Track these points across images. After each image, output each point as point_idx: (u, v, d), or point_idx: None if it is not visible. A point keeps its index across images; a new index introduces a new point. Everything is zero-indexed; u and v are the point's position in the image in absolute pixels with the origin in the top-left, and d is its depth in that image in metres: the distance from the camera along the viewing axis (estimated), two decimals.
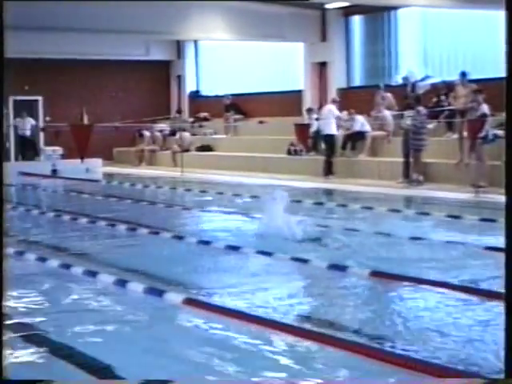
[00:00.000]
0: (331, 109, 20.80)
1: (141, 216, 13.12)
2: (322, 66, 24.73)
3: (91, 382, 4.93)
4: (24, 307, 6.83)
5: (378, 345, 5.53)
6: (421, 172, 17.66)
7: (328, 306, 6.94)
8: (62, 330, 6.02)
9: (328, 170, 19.93)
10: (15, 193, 18.34)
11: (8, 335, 5.95)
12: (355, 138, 20.71)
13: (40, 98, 27.08)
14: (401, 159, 18.25)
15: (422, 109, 18.05)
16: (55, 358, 5.36)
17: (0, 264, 3.85)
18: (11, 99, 26.42)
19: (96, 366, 5.11)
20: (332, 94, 23.99)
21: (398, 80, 22.07)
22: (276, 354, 5.37)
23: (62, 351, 5.50)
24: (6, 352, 5.20)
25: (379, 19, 23.35)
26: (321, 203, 14.93)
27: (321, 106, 22.62)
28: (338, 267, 8.17)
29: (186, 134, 26.29)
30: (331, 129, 20.38)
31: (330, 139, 20.36)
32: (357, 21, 24.11)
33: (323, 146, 20.87)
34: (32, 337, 5.89)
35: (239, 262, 8.91)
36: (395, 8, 22.52)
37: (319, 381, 4.86)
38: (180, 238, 10.42)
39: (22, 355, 5.46)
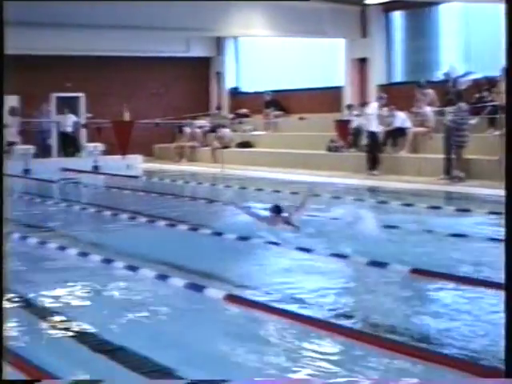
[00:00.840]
0: (375, 106, 20.67)
1: (180, 212, 13.15)
2: (363, 62, 24.61)
3: (94, 382, 4.94)
4: (65, 302, 6.89)
5: (422, 344, 5.50)
6: (462, 168, 17.51)
7: (369, 304, 6.91)
8: (104, 325, 6.06)
9: (372, 166, 19.78)
10: (57, 189, 18.52)
11: (48, 330, 6.03)
12: (396, 135, 20.58)
13: (82, 95, 27.26)
14: (442, 156, 18.10)
15: (463, 105, 17.89)
16: (99, 355, 5.40)
17: (0, 264, 3.87)
18: (53, 96, 26.66)
19: (144, 364, 5.13)
20: (372, 90, 23.88)
21: (439, 76, 21.90)
22: (316, 353, 5.35)
23: (106, 347, 5.53)
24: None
25: (420, 14, 23.19)
26: (361, 199, 14.86)
27: (363, 103, 22.50)
28: (378, 264, 8.14)
29: (226, 131, 26.32)
30: (373, 125, 20.25)
31: (371, 135, 20.23)
32: (397, 16, 23.96)
33: (365, 142, 20.76)
34: (74, 332, 5.93)
35: (279, 258, 8.91)
36: (436, 3, 22.34)
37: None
38: (219, 234, 10.44)
39: (64, 350, 5.50)
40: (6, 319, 3.83)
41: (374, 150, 19.97)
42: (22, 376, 4.72)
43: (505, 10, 3.74)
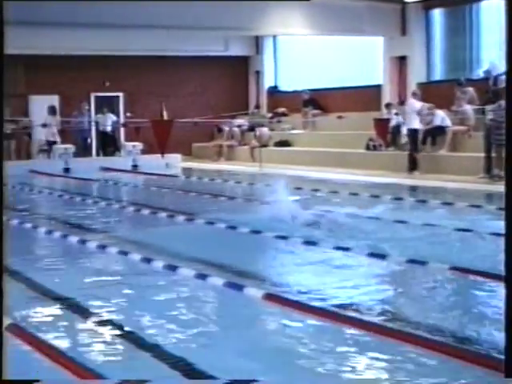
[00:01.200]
0: (412, 102, 20.54)
1: (219, 211, 13.16)
2: (402, 60, 24.46)
3: (88, 382, 4.94)
4: (105, 303, 6.92)
5: (459, 343, 5.45)
6: (502, 167, 17.30)
7: (408, 303, 6.86)
8: (144, 326, 6.08)
9: (412, 166, 19.65)
10: (96, 188, 18.64)
11: (89, 330, 6.07)
12: (435, 133, 20.43)
13: (121, 94, 27.45)
14: (482, 154, 17.94)
15: (503, 103, 17.69)
16: (140, 354, 5.42)
17: (0, 263, 3.88)
18: (93, 95, 26.88)
19: (180, 364, 5.13)
20: (412, 88, 23.72)
21: (479, 74, 21.71)
22: (357, 354, 5.33)
23: (147, 348, 5.54)
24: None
25: (460, 12, 23.00)
26: (400, 198, 14.78)
27: (401, 101, 22.37)
28: (418, 262, 8.09)
29: (265, 130, 26.32)
30: (413, 123, 20.11)
31: (412, 134, 20.10)
32: (437, 14, 23.79)
33: (405, 140, 20.64)
34: (113, 331, 5.97)
35: (318, 257, 8.88)
36: (478, 0, 22.15)
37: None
38: (258, 232, 10.42)
39: (103, 350, 5.53)
40: (5, 318, 3.84)
41: (414, 150, 19.84)
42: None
43: (505, 9, 3.69)
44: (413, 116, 20.08)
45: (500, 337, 5.52)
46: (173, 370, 5.02)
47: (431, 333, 5.71)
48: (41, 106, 25.14)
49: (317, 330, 5.90)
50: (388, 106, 22.73)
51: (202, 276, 7.59)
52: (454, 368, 4.96)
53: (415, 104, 20.45)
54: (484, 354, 5.17)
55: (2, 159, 3.99)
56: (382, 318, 6.21)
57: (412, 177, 18.84)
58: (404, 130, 21.18)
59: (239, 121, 27.72)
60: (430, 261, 8.07)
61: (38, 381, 4.17)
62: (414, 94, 21.19)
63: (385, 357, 5.19)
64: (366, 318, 6.16)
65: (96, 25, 21.75)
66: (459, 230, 10.36)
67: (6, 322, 5.80)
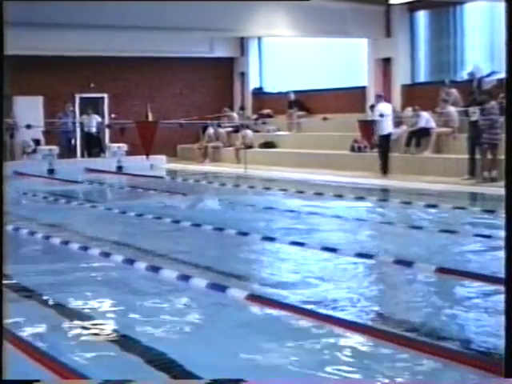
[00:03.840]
0: (384, 107, 20.69)
1: (204, 212, 13.16)
2: (387, 61, 24.52)
3: (87, 382, 4.94)
4: (91, 304, 6.91)
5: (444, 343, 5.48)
6: (494, 168, 17.24)
7: (398, 304, 6.89)
8: (133, 327, 6.08)
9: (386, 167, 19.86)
10: (81, 189, 18.58)
11: (77, 331, 6.06)
12: (420, 135, 20.50)
13: (105, 96, 27.40)
14: (466, 156, 18.00)
15: (494, 103, 17.72)
16: (133, 358, 5.42)
17: (0, 264, 3.87)
18: (77, 96, 26.82)
19: (169, 364, 5.14)
20: (396, 90, 23.82)
21: (463, 76, 21.78)
22: (342, 352, 5.34)
23: (135, 347, 5.55)
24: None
25: (444, 14, 23.07)
26: (385, 200, 14.84)
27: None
28: (404, 263, 8.14)
29: (249, 132, 26.30)
30: (383, 128, 20.25)
31: (386, 137, 20.23)
32: (422, 16, 23.85)
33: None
34: (104, 334, 5.96)
35: (303, 258, 8.90)
36: (461, 2, 22.22)
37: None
38: (244, 234, 10.44)
39: (94, 352, 5.51)
40: (5, 318, 3.83)
41: (385, 152, 19.99)
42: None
43: (505, 9, 3.70)
44: (384, 119, 20.15)
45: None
46: (158, 370, 5.02)
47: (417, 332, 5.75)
48: (25, 107, 25.07)
49: (305, 330, 5.91)
50: (372, 107, 22.75)
51: (184, 277, 7.58)
52: None
53: (384, 107, 20.54)
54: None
55: (2, 159, 3.98)
56: (369, 318, 6.24)
57: (395, 178, 18.86)
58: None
59: (234, 114, 27.85)
60: (414, 261, 8.11)
61: (38, 381, 4.17)
62: (379, 96, 21.22)
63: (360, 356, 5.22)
64: (349, 317, 6.18)
65: (81, 26, 21.69)
66: (442, 231, 10.41)
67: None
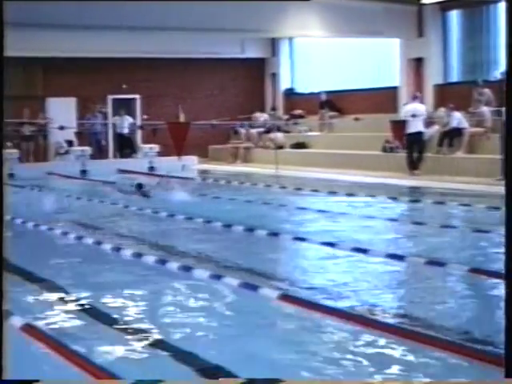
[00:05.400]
0: (414, 107, 20.58)
1: (236, 213, 13.17)
2: (419, 61, 24.39)
3: (86, 381, 4.94)
4: (119, 302, 6.94)
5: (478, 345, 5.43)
6: None
7: (428, 305, 6.84)
8: (163, 327, 6.09)
9: (414, 166, 19.76)
10: (113, 189, 18.64)
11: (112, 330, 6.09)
12: (452, 135, 20.37)
13: (137, 97, 27.51)
14: (499, 156, 17.84)
15: None
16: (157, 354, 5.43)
17: (0, 264, 3.87)
18: (110, 98, 26.96)
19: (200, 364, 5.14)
20: (428, 90, 23.69)
21: (496, 75, 21.60)
22: (372, 354, 5.31)
23: (165, 347, 5.56)
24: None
25: (477, 13, 22.91)
26: (417, 200, 14.76)
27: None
28: (437, 263, 8.08)
29: (279, 133, 26.25)
30: (413, 127, 20.15)
31: (417, 136, 20.13)
32: (454, 15, 23.70)
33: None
34: (133, 331, 5.97)
35: (334, 258, 8.88)
36: (495, 1, 22.05)
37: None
38: (275, 234, 10.43)
39: (124, 351, 5.53)
40: (5, 319, 3.84)
41: (415, 151, 19.89)
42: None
43: (505, 10, 3.68)
44: (416, 119, 20.04)
45: None
46: (192, 370, 5.03)
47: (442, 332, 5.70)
48: (58, 108, 25.27)
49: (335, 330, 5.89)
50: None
51: (216, 277, 7.58)
52: None
53: (418, 107, 20.42)
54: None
55: (2, 160, 3.99)
56: (399, 318, 6.20)
57: (427, 179, 18.75)
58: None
59: (265, 116, 27.82)
60: (445, 262, 8.06)
61: (37, 381, 4.17)
62: (415, 97, 21.15)
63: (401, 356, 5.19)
64: (381, 318, 6.15)
65: (114, 27, 21.82)
66: (474, 231, 10.33)
67: (21, 322, 5.85)
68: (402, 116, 20.76)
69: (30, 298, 7.12)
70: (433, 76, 23.86)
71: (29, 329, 5.77)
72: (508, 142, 3.39)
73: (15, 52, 23.71)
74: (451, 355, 5.11)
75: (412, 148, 20.01)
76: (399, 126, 20.91)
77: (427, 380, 4.86)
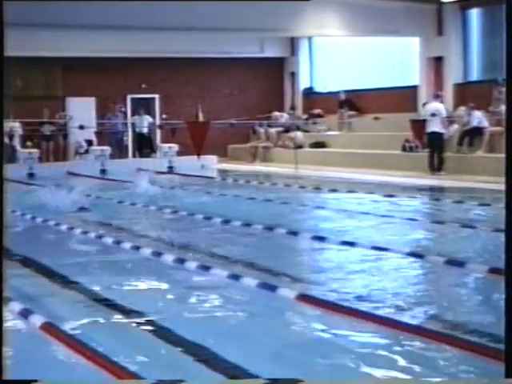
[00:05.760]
0: (435, 106, 20.47)
1: (255, 212, 13.17)
2: (438, 60, 24.30)
3: (87, 382, 4.94)
4: (142, 300, 6.96)
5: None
6: None
7: (451, 305, 6.81)
8: (182, 323, 6.10)
9: (438, 166, 19.65)
10: (132, 189, 18.68)
11: (125, 324, 6.10)
12: (472, 134, 20.28)
13: (156, 96, 27.58)
14: None
15: None
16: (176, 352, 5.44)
17: (0, 264, 3.88)
18: (129, 97, 27.05)
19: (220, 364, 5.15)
20: (448, 89, 23.60)
21: None
22: (393, 354, 5.30)
23: (183, 344, 5.57)
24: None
25: (498, 11, 22.78)
26: (437, 199, 14.71)
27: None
28: (456, 263, 8.05)
29: (299, 133, 26.25)
30: (433, 126, 20.04)
31: (437, 136, 20.03)
32: (474, 14, 23.60)
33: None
34: (153, 332, 5.99)
35: (354, 257, 8.86)
36: None
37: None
38: (294, 233, 10.43)
39: (149, 352, 5.54)
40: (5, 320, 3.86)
41: (439, 151, 19.78)
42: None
43: (505, 9, 3.66)
44: (434, 118, 19.94)
45: None
46: (213, 370, 5.03)
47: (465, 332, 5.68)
48: (78, 108, 25.37)
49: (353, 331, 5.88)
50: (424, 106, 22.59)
51: (235, 276, 7.59)
52: None
53: (439, 106, 20.34)
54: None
55: (2, 160, 4.00)
56: (419, 319, 6.18)
57: (446, 178, 18.68)
58: None
59: (285, 116, 27.79)
60: (466, 261, 8.03)
61: (36, 381, 4.18)
62: (437, 96, 21.06)
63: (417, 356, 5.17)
64: (399, 317, 6.13)
65: (134, 27, 21.88)
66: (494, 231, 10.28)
67: (41, 320, 5.87)
68: (422, 115, 20.69)
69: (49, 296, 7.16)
70: (452, 75, 23.78)
71: (49, 328, 5.79)
72: (508, 141, 3.38)
73: (35, 52, 24.04)
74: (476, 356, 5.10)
75: (433, 147, 19.93)
76: (419, 125, 20.85)
77: (430, 379, 4.85)
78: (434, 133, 19.94)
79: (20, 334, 5.71)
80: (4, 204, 3.88)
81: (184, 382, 4.54)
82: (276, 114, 27.98)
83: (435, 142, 19.93)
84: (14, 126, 23.95)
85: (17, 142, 24.09)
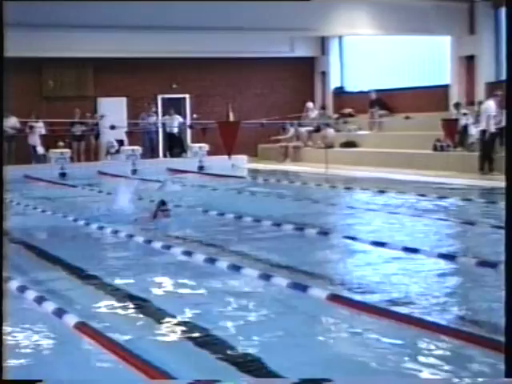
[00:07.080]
0: (491, 104, 20.16)
1: (285, 212, 13.15)
2: (470, 59, 24.14)
3: (89, 382, 4.93)
4: (169, 299, 6.97)
5: None
6: None
7: (482, 306, 6.76)
8: (214, 324, 6.12)
9: (489, 166, 19.38)
10: (164, 189, 18.73)
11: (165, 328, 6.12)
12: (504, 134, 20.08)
13: (187, 96, 27.65)
14: None
15: None
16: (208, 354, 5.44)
17: (0, 264, 3.89)
18: (159, 97, 27.14)
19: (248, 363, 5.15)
20: (480, 88, 23.41)
21: None
22: (425, 355, 5.27)
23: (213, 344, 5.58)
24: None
25: None
26: (469, 200, 14.60)
27: (470, 101, 22.09)
28: (489, 264, 7.99)
29: (330, 131, 26.23)
30: (490, 124, 19.77)
31: (488, 135, 19.80)
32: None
33: (472, 141, 20.42)
34: (179, 328, 6.00)
35: (384, 258, 8.82)
36: None
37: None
38: (325, 233, 10.41)
39: (182, 353, 5.55)
40: (5, 320, 3.87)
41: (489, 150, 19.52)
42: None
43: (505, 9, 3.62)
44: (489, 116, 19.69)
45: None
46: (243, 371, 5.03)
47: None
48: (109, 108, 25.51)
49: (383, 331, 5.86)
50: (456, 105, 22.44)
51: (265, 276, 7.57)
52: None
53: (492, 107, 20.06)
54: None
55: (2, 161, 4.01)
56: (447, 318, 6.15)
57: (479, 178, 18.53)
58: (472, 131, 20.91)
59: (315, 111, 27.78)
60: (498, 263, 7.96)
61: (40, 381, 4.18)
62: (495, 95, 20.77)
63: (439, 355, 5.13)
64: (431, 318, 6.10)
65: (164, 28, 21.98)
66: None
67: (75, 320, 5.90)
68: (482, 113, 20.28)
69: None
70: (485, 74, 23.60)
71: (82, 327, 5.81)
72: (508, 142, 3.34)
73: (68, 53, 24.20)
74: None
75: (487, 147, 19.60)
76: (451, 124, 20.70)
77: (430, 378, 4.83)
78: (490, 133, 19.62)
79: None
80: (4, 204, 3.90)
81: (219, 383, 4.55)
82: (310, 104, 27.91)
83: (489, 142, 19.61)
84: (36, 125, 24.07)
85: (38, 142, 24.12)
